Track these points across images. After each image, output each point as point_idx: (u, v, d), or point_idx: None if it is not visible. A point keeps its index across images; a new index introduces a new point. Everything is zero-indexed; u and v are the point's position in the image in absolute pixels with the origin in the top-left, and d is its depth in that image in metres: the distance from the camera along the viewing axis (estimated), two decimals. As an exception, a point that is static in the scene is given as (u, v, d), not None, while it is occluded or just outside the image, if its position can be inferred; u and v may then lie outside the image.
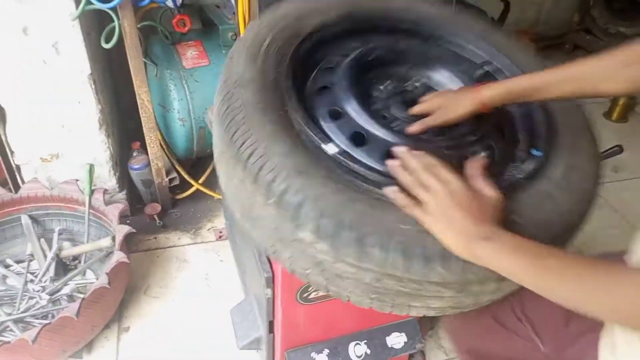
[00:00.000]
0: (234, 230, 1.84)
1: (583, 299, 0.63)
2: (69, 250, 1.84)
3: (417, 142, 0.89)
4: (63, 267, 1.84)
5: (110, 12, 1.63)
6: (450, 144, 0.92)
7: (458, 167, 0.82)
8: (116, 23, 1.67)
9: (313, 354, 1.37)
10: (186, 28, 1.92)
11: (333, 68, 1.03)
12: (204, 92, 2.00)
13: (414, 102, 1.00)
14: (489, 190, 0.78)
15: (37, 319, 1.64)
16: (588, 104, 1.03)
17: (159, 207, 2.17)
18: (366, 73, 1.04)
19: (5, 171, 1.93)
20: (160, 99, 2.01)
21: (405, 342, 1.42)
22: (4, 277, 1.77)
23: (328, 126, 0.92)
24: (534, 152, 0.95)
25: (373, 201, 0.79)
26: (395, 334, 1.42)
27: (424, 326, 1.67)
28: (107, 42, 1.73)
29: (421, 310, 0.87)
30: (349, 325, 1.39)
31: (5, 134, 1.81)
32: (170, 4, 1.88)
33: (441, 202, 0.75)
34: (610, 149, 1.44)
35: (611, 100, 3.06)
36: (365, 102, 0.96)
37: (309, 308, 1.27)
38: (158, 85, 2.00)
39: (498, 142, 0.96)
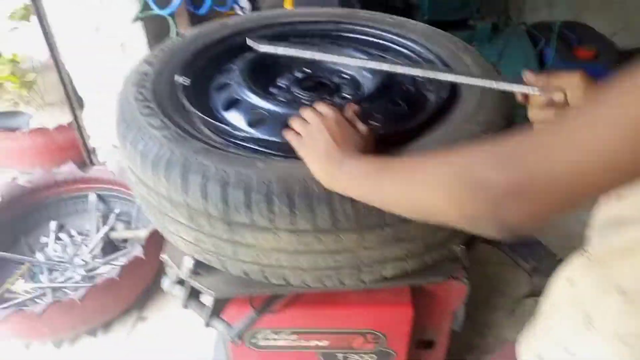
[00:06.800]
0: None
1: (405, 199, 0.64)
2: (118, 233, 1.99)
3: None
4: (112, 247, 1.99)
5: (168, 18, 1.71)
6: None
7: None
8: (172, 28, 1.74)
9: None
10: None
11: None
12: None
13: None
14: (359, 124, 0.80)
15: (71, 291, 1.80)
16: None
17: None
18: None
19: (84, 154, 2.16)
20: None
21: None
22: (64, 245, 1.98)
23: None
24: None
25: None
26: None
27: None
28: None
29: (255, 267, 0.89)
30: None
31: (82, 121, 2.03)
32: (237, 10, 1.92)
33: (311, 128, 0.78)
34: None
35: None
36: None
37: (259, 355, 1.17)
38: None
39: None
